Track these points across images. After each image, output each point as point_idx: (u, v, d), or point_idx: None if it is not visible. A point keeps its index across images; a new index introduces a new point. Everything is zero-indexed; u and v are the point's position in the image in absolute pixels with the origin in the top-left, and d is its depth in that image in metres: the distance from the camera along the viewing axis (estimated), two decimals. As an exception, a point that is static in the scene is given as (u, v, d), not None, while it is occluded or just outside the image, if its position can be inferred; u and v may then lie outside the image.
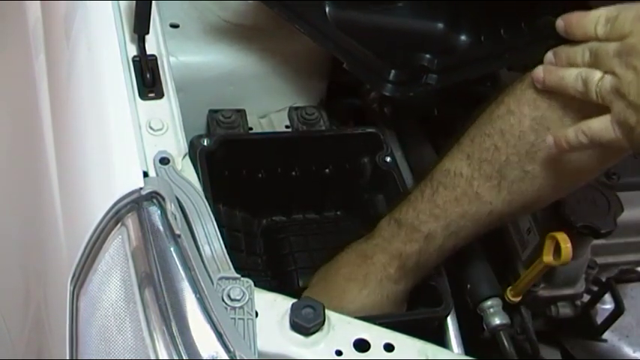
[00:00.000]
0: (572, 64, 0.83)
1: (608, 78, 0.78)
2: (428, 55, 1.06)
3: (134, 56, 0.91)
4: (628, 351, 1.17)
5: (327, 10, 1.11)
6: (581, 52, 0.82)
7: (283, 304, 0.77)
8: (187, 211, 0.79)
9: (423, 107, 1.21)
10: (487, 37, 1.12)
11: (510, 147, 0.87)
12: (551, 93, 0.85)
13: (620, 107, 0.77)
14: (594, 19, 0.81)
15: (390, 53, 1.07)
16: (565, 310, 1.12)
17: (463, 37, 1.15)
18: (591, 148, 0.83)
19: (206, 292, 0.72)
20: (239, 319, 0.73)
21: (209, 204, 0.80)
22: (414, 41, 1.13)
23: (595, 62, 0.81)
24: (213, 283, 0.74)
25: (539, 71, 0.86)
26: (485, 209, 0.90)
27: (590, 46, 0.81)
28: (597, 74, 0.80)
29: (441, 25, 1.16)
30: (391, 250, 0.93)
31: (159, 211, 0.76)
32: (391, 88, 1.05)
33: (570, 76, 0.82)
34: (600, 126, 0.80)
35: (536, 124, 0.86)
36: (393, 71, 1.04)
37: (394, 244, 0.93)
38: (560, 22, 0.85)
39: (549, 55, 0.86)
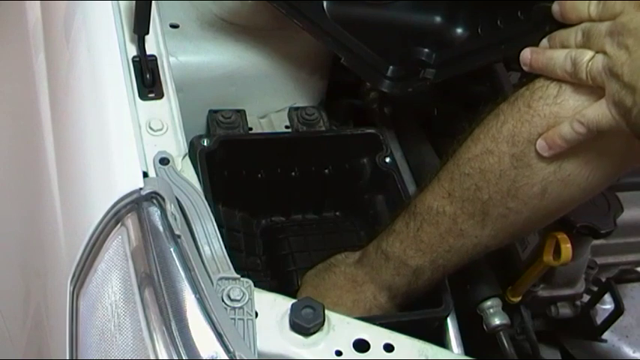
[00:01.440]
0: (564, 47, 0.82)
1: (600, 57, 0.77)
2: (426, 50, 1.06)
3: (134, 56, 0.91)
4: (628, 351, 1.17)
5: (325, 5, 1.11)
6: (574, 34, 0.81)
7: (283, 304, 0.77)
8: (187, 211, 0.79)
9: (422, 107, 1.21)
10: (484, 28, 1.12)
11: (492, 185, 0.85)
12: (530, 126, 0.83)
13: (615, 88, 0.75)
14: (587, 1, 0.80)
15: (388, 48, 1.07)
16: (565, 310, 1.12)
17: (460, 30, 1.15)
18: (588, 137, 0.80)
19: (206, 293, 0.72)
20: (239, 319, 0.73)
21: (209, 204, 0.80)
22: (412, 36, 1.13)
23: (587, 42, 0.79)
24: (213, 284, 0.74)
25: (526, 53, 0.85)
26: (471, 243, 0.89)
27: (583, 26, 0.80)
28: (588, 54, 0.78)
29: (438, 19, 1.16)
30: (381, 282, 0.93)
31: (159, 212, 0.76)
32: (389, 84, 1.05)
33: (559, 57, 0.81)
34: (596, 112, 0.78)
35: (516, 161, 0.84)
36: (390, 67, 1.04)
37: (383, 276, 0.93)
38: (555, 7, 0.84)
39: (544, 42, 0.85)
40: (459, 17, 1.15)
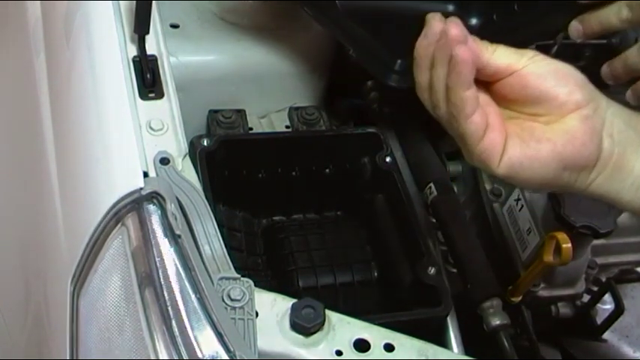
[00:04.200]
0: (606, 26, 0.84)
1: None
2: None
3: (134, 56, 0.91)
4: (628, 351, 1.17)
5: None
6: (616, 11, 0.82)
7: (283, 304, 0.77)
8: (187, 211, 0.79)
9: (422, 107, 1.20)
10: (499, 14, 1.10)
11: None
12: None
13: None
14: (614, 10, 0.82)
15: (398, 41, 1.06)
16: (565, 310, 1.12)
17: (475, 19, 1.13)
18: None
19: (206, 292, 0.72)
20: (239, 319, 0.73)
21: (209, 204, 0.80)
22: (423, 27, 1.12)
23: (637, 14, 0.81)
24: (213, 283, 0.74)
25: (576, 26, 0.86)
26: None
27: (627, 2, 0.82)
28: None
29: (451, 7, 1.15)
30: None
31: (159, 211, 0.76)
32: (396, 79, 1.04)
33: (611, 9, 0.82)
34: None
35: None
36: (399, 61, 1.03)
37: None
38: (577, 27, 0.85)
39: (575, 24, 0.86)
40: (472, 4, 1.13)
